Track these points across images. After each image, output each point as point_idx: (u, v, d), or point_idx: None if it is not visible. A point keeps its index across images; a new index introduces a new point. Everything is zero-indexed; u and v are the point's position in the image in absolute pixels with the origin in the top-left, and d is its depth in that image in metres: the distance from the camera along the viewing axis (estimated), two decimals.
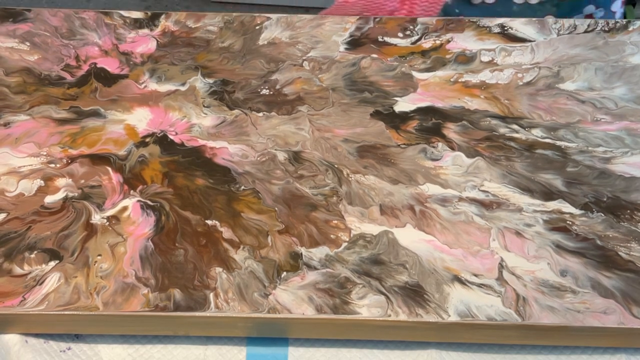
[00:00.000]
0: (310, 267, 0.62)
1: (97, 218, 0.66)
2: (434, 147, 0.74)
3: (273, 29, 0.89)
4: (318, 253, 0.63)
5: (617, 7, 1.13)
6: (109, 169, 0.71)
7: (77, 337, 0.62)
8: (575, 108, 0.78)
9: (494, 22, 0.89)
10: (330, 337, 0.61)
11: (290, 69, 0.83)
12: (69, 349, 0.61)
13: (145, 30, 0.89)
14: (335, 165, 0.72)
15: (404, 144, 0.74)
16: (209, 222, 0.66)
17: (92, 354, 0.61)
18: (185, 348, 0.61)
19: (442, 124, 0.76)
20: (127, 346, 0.61)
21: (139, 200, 0.68)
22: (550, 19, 0.90)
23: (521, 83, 0.81)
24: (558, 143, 0.74)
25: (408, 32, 0.88)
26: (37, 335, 0.61)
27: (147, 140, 0.74)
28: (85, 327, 0.60)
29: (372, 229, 0.66)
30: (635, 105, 0.79)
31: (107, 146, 0.73)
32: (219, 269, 0.62)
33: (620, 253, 0.64)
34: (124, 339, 0.62)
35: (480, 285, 0.61)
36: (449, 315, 0.59)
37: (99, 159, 0.72)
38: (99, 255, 0.63)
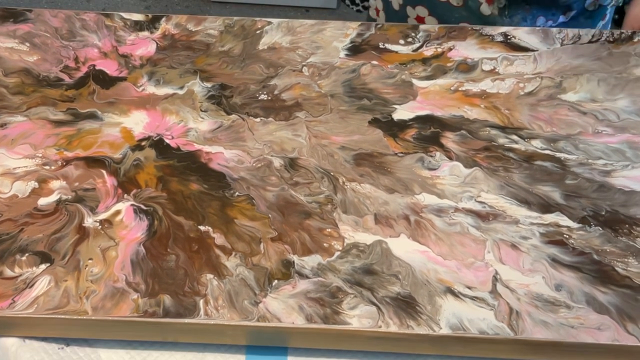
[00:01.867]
0: (302, 276, 0.62)
1: (89, 221, 0.66)
2: (431, 156, 0.73)
3: (273, 33, 0.88)
4: (310, 261, 0.63)
5: None
6: (104, 172, 0.71)
7: None
8: (577, 119, 0.77)
9: (497, 31, 0.89)
10: (320, 347, 0.60)
11: (290, 75, 0.83)
12: (68, 345, 0.61)
13: (146, 33, 0.88)
14: (331, 173, 0.71)
15: (402, 153, 0.73)
16: (201, 227, 0.65)
17: (90, 352, 0.60)
18: (183, 353, 0.61)
19: (440, 133, 0.76)
20: (126, 346, 0.61)
21: (132, 204, 0.67)
22: (554, 29, 0.89)
23: (522, 93, 0.81)
24: (557, 155, 0.73)
25: (409, 39, 0.88)
26: None
27: (143, 143, 0.74)
28: (73, 332, 0.60)
29: (366, 238, 0.65)
30: (638, 117, 0.78)
31: (103, 149, 0.73)
32: (210, 276, 0.61)
33: (617, 268, 0.63)
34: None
35: (473, 298, 0.60)
36: (440, 328, 0.58)
37: (94, 162, 0.72)
38: (90, 259, 0.63)
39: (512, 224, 0.66)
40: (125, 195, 0.68)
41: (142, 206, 0.67)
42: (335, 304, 0.60)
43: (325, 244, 0.64)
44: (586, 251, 0.64)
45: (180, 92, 0.80)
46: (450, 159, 0.73)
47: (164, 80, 0.82)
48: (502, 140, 0.75)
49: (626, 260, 0.64)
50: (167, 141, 0.74)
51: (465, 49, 0.86)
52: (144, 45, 0.87)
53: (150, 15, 0.90)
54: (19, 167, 0.71)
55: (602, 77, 0.82)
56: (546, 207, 0.68)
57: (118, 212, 0.67)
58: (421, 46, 0.87)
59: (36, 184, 0.69)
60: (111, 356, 0.60)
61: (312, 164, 0.72)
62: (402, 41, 0.88)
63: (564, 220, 0.67)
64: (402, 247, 0.64)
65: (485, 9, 0.92)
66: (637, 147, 0.74)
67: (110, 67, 0.83)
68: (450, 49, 0.86)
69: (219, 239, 0.64)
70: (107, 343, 0.61)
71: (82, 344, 0.61)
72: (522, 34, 0.88)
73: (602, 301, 0.60)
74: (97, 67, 0.83)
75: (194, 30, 0.89)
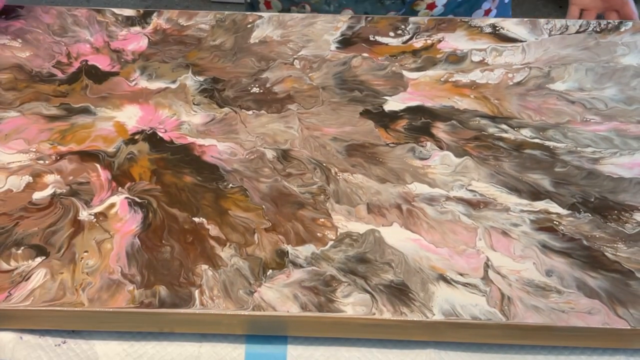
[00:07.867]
0: (296, 265, 0.62)
1: (84, 214, 0.66)
2: (422, 146, 0.74)
3: (265, 27, 0.89)
4: (304, 251, 0.63)
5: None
6: (98, 165, 0.71)
7: (72, 331, 0.62)
8: (565, 108, 0.78)
9: (485, 22, 0.89)
10: (315, 334, 0.61)
11: (281, 68, 0.83)
12: (64, 342, 0.61)
13: (137, 28, 0.89)
14: (324, 164, 0.72)
15: (393, 143, 0.74)
16: (196, 219, 0.66)
17: (87, 348, 0.61)
18: (180, 345, 0.61)
19: (431, 124, 0.76)
20: (122, 341, 0.61)
21: (126, 197, 0.68)
22: (542, 19, 0.90)
23: (511, 83, 0.81)
24: (547, 143, 0.74)
25: (399, 32, 0.88)
26: (31, 331, 0.61)
27: (137, 137, 0.74)
28: (70, 324, 0.60)
29: (358, 227, 0.66)
30: (625, 105, 0.79)
31: (96, 143, 0.73)
32: (204, 266, 0.62)
33: (606, 253, 0.64)
34: (119, 333, 0.62)
35: (465, 285, 0.61)
36: (434, 314, 0.59)
37: (88, 156, 0.72)
38: (86, 251, 0.63)
39: (503, 211, 0.67)
40: (120, 189, 0.69)
41: (137, 199, 0.68)
42: (330, 292, 0.60)
43: (318, 234, 0.65)
44: (576, 237, 0.65)
45: (173, 86, 0.81)
46: (441, 148, 0.74)
47: (157, 75, 0.82)
48: (492, 129, 0.76)
49: (615, 245, 0.64)
50: (161, 134, 0.75)
51: (454, 41, 0.87)
52: (135, 40, 0.87)
53: (141, 11, 0.90)
54: (13, 162, 0.71)
55: (590, 66, 0.83)
56: (536, 194, 0.69)
57: (113, 205, 0.67)
58: (411, 38, 0.88)
59: (30, 178, 0.70)
60: (107, 351, 0.61)
61: (305, 155, 0.72)
62: (392, 33, 0.88)
63: (554, 207, 0.68)
64: (395, 235, 0.65)
65: None
66: (625, 135, 0.75)
67: (102, 62, 0.84)
68: (439, 41, 0.87)
69: (213, 230, 0.65)
70: (103, 338, 0.61)
71: (78, 339, 0.61)
72: (510, 25, 0.89)
73: (592, 286, 0.61)
74: (89, 63, 0.84)
75: (186, 25, 0.89)
